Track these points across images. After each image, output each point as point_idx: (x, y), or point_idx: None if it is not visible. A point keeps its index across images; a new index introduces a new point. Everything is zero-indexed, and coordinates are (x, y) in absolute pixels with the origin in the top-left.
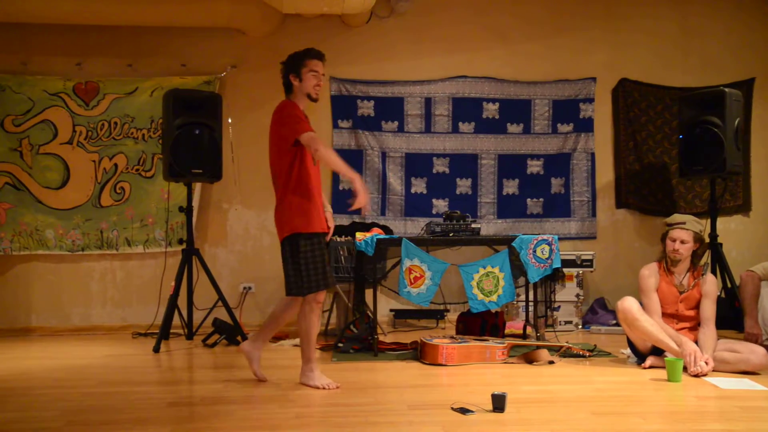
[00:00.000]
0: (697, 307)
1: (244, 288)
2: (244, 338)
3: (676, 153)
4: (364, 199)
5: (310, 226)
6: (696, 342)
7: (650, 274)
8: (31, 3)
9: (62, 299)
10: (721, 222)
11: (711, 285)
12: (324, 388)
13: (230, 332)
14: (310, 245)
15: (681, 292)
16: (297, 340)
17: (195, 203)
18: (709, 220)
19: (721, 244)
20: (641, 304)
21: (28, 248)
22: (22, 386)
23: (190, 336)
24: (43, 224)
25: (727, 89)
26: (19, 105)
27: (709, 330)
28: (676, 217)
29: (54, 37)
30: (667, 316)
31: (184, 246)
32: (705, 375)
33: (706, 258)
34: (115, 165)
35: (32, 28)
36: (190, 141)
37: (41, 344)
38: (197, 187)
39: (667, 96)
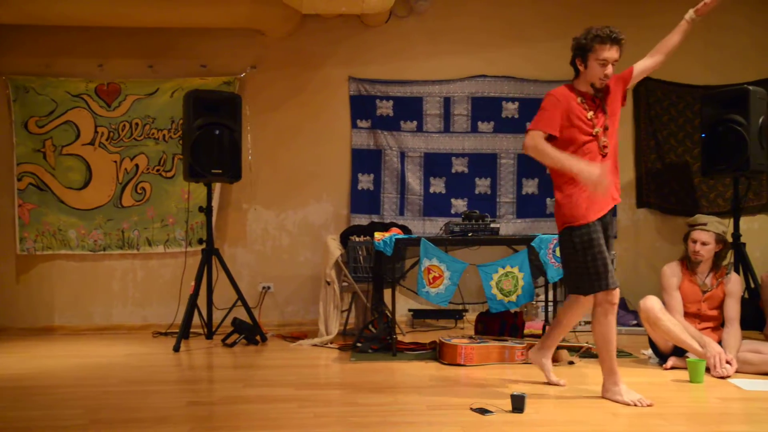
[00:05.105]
0: (719, 307)
1: (263, 288)
2: (263, 338)
3: (698, 152)
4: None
5: (585, 218)
6: (720, 342)
7: (672, 272)
8: (55, 5)
9: (84, 299)
10: (745, 222)
11: (735, 284)
12: (634, 405)
13: (249, 332)
14: (586, 237)
15: (704, 292)
16: (316, 340)
17: (215, 203)
18: (732, 220)
19: (744, 244)
20: (663, 302)
21: (51, 248)
22: (46, 385)
23: (209, 335)
24: (65, 224)
25: (751, 87)
26: (42, 106)
27: (733, 329)
28: (699, 218)
29: (76, 39)
30: (690, 315)
31: (203, 246)
32: (728, 376)
33: (729, 258)
34: (136, 165)
35: (55, 30)
36: (210, 141)
37: (64, 343)
38: (217, 187)
39: (689, 94)
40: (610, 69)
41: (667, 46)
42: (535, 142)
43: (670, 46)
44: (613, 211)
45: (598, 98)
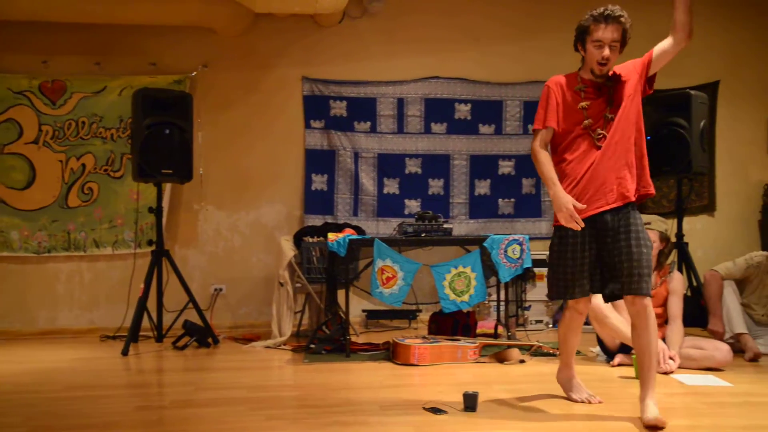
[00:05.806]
0: (664, 304)
1: (215, 289)
2: (215, 340)
3: None
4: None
5: (556, 219)
6: (664, 339)
7: None
8: None
9: (27, 302)
10: (687, 222)
11: (678, 282)
12: (583, 402)
13: (201, 334)
14: (564, 240)
15: None
16: (269, 342)
17: (165, 204)
18: (675, 220)
19: (687, 244)
20: None
21: None
22: None
23: (159, 338)
24: (7, 226)
25: (692, 91)
26: None
27: (676, 326)
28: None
29: (19, 34)
30: None
31: (153, 247)
32: (671, 372)
33: (673, 257)
34: (83, 165)
35: None
36: (160, 141)
37: (5, 348)
38: (167, 187)
39: None
40: (607, 51)
41: (674, 25)
42: (535, 146)
43: (677, 24)
44: (621, 211)
45: (606, 86)
